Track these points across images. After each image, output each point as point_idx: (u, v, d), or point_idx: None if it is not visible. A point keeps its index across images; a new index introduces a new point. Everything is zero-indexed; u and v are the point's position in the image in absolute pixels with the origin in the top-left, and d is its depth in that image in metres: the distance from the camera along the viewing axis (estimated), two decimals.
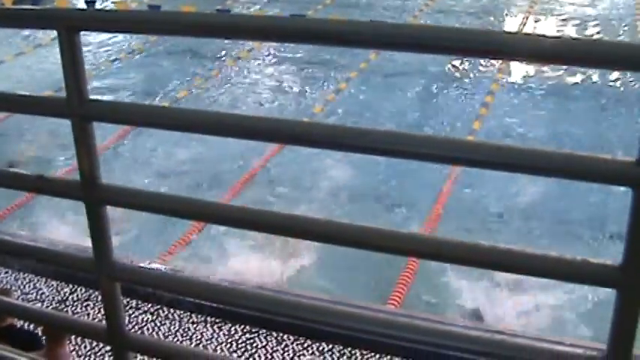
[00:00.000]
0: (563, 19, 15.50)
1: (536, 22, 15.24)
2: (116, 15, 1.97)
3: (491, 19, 15.57)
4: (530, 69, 12.27)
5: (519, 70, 12.40)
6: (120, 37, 13.76)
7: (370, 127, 1.53)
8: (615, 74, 11.74)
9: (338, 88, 11.44)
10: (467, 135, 9.49)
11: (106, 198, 1.81)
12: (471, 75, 12.11)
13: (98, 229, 1.82)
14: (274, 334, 5.59)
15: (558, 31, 14.65)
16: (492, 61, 11.93)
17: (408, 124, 10.23)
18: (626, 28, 14.57)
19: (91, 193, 1.78)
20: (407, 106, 10.91)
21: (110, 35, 13.53)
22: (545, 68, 11.95)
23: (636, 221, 1.36)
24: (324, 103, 10.98)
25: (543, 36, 1.34)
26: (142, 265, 5.56)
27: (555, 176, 1.52)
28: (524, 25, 14.87)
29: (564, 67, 11.38)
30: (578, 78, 11.88)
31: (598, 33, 14.34)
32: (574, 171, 1.44)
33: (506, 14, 16.03)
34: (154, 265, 6.30)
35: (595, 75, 11.86)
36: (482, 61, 12.20)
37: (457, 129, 10.05)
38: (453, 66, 12.41)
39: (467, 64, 12.43)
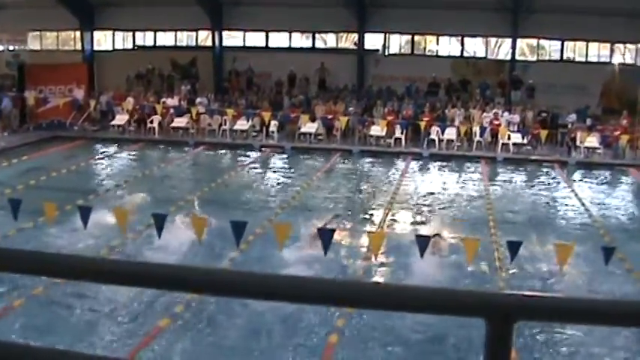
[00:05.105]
0: (421, 212, 16.19)
1: (394, 217, 15.70)
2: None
3: (350, 221, 15.81)
4: None
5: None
6: None
7: None
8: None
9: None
10: None
11: None
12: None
13: None
14: None
15: (415, 224, 15.12)
16: None
17: None
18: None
19: None
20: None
21: None
22: None
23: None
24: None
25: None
26: None
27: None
28: (385, 221, 15.25)
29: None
30: None
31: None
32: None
33: (366, 213, 16.45)
34: None
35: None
36: None
37: None
38: None
39: None
